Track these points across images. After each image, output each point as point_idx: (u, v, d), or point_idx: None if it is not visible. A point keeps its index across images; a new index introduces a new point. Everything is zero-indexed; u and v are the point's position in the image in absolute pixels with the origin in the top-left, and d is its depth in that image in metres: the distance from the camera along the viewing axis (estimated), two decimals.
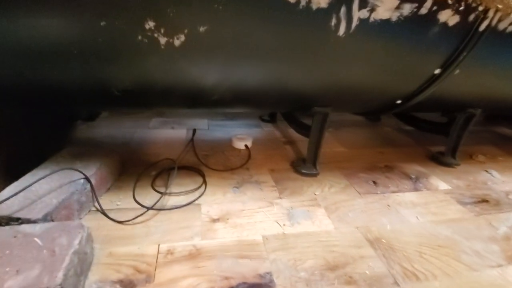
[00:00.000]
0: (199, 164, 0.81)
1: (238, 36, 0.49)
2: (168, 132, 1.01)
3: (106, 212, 0.60)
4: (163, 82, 0.55)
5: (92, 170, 0.61)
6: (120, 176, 0.74)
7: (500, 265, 0.55)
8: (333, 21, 0.49)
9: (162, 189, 0.67)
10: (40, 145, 0.74)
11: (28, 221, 0.46)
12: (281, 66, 0.56)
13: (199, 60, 0.51)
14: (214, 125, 1.10)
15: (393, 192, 0.75)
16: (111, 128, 1.03)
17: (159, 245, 0.53)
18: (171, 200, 0.66)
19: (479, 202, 0.74)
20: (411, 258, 0.55)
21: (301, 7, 0.46)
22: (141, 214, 0.58)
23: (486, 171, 0.90)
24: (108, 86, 0.55)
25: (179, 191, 0.69)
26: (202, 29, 0.46)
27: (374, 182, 0.79)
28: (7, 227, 0.44)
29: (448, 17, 0.53)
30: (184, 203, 0.64)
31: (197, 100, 0.63)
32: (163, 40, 0.46)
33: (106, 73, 0.52)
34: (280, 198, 0.70)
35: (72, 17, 0.43)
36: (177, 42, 0.47)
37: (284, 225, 0.61)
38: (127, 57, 0.49)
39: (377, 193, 0.74)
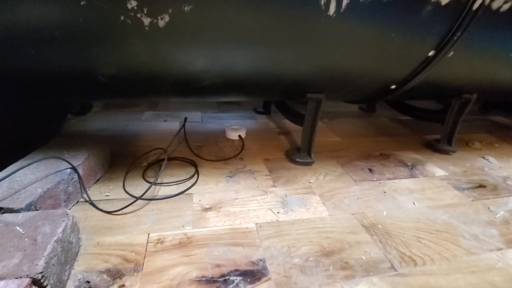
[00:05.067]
0: (192, 154, 0.80)
1: (225, 16, 0.47)
2: (160, 125, 0.99)
3: (95, 203, 0.58)
4: (150, 67, 0.53)
5: (80, 160, 0.59)
6: (111, 167, 0.72)
7: (499, 249, 0.54)
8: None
9: (153, 180, 0.66)
10: (28, 138, 0.72)
11: (11, 211, 0.45)
12: (271, 48, 0.55)
13: (185, 42, 0.49)
14: (208, 117, 1.09)
15: (389, 179, 0.74)
16: (102, 121, 1.01)
17: (148, 234, 0.51)
18: (162, 190, 0.64)
19: (476, 187, 0.73)
20: (409, 243, 0.54)
21: None
22: (130, 204, 0.57)
23: (483, 157, 0.90)
24: (93, 72, 0.53)
25: (171, 181, 0.67)
26: (187, 8, 0.44)
27: (370, 170, 0.78)
28: None
29: None
30: (175, 193, 0.62)
31: (187, 86, 0.61)
32: (146, 21, 0.45)
33: (90, 57, 0.50)
34: (274, 186, 0.68)
35: None
36: (161, 23, 0.45)
37: (278, 212, 0.59)
38: (111, 39, 0.47)
39: (372, 180, 0.73)
